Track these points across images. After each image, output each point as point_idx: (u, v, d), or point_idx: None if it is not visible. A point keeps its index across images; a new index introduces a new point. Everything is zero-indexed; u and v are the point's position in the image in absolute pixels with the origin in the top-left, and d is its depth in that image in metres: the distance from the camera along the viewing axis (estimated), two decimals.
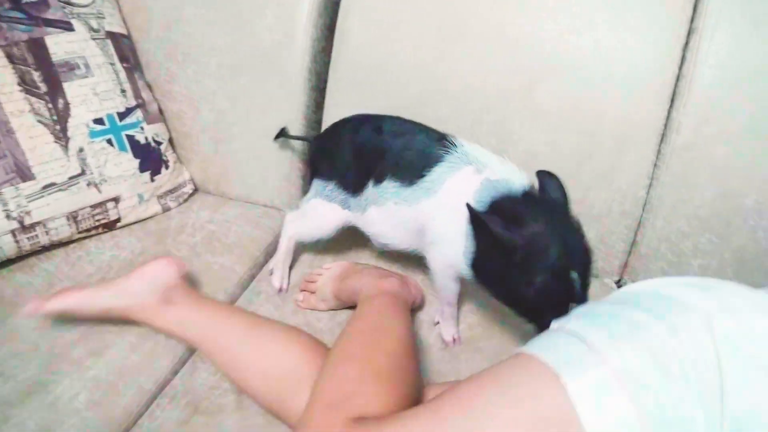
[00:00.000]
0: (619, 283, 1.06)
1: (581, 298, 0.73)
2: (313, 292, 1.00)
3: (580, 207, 1.01)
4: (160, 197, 1.20)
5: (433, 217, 0.87)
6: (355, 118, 0.99)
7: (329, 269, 1.02)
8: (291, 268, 1.08)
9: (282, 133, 1.15)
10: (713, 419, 0.42)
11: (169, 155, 1.22)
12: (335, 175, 0.98)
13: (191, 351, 0.91)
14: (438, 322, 0.96)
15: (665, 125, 0.95)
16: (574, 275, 0.71)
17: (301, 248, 1.10)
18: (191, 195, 1.27)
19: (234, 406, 0.81)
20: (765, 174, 0.90)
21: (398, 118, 0.94)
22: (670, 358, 0.44)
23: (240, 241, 1.14)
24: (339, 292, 0.95)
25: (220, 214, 1.21)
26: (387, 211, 0.91)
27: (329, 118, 1.16)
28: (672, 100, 0.94)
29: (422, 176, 0.85)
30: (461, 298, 0.95)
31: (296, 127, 1.18)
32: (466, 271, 0.82)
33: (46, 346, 0.88)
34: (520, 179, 0.80)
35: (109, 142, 1.10)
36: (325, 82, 1.16)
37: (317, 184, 1.01)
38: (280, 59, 1.14)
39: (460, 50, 1.04)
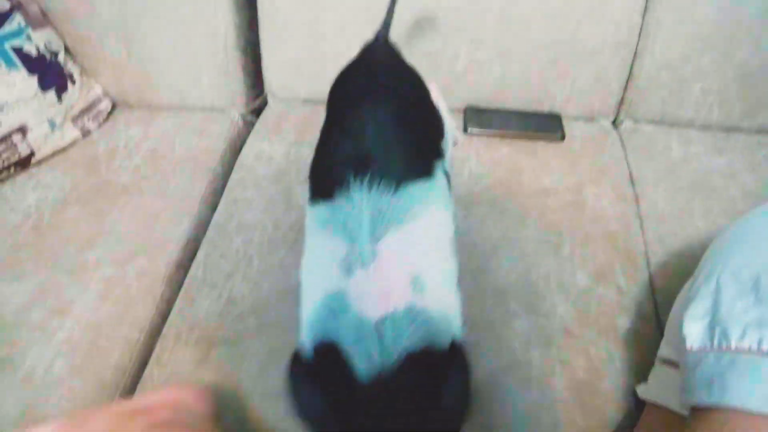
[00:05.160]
0: (614, 123, 1.00)
1: None
2: None
3: (571, 46, 0.92)
4: (74, 119, 0.97)
5: None
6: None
7: None
8: None
9: None
10: None
11: (71, 67, 0.99)
12: None
13: (171, 286, 0.77)
14: None
15: None
16: None
17: None
18: (110, 112, 1.05)
19: (255, 329, 0.68)
20: None
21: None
22: None
23: (189, 153, 0.96)
24: None
25: (155, 128, 1.01)
26: None
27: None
28: None
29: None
30: None
31: (223, 26, 0.97)
32: None
33: None
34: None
35: None
36: None
37: None
38: None
39: None
